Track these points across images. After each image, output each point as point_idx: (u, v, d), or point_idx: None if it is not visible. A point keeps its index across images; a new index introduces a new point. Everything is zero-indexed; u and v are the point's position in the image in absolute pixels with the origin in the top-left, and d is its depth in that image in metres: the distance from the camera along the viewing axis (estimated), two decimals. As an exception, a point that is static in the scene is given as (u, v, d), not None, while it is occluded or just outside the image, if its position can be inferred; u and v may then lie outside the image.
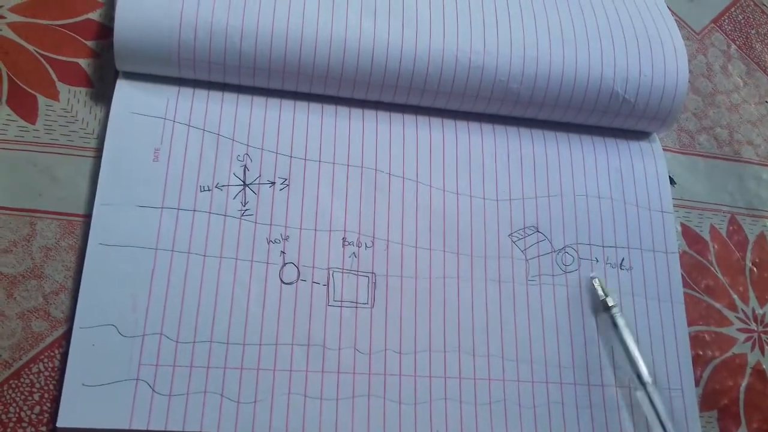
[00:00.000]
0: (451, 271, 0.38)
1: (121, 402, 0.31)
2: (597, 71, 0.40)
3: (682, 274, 0.41)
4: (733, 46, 0.52)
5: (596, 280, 0.39)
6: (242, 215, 0.36)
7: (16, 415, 0.31)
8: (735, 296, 0.43)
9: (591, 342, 0.38)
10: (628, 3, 0.43)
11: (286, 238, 0.36)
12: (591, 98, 0.40)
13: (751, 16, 0.54)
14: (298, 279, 0.35)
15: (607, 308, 0.38)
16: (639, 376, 0.36)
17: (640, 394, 0.36)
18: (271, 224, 0.36)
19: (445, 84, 0.39)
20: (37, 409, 0.31)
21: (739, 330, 0.42)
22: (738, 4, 0.54)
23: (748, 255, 0.44)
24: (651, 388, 0.36)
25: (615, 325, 0.38)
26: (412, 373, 0.35)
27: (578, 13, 0.42)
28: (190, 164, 0.36)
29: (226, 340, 0.33)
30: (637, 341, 0.38)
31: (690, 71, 0.48)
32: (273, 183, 0.37)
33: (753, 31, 0.54)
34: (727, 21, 0.53)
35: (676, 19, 0.44)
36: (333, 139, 0.39)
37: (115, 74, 0.37)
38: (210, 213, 0.35)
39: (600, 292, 0.38)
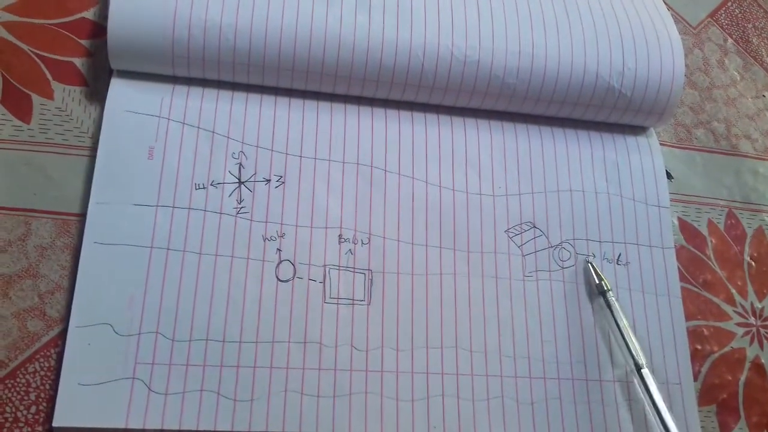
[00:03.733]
0: (448, 267, 0.37)
1: (117, 401, 0.31)
2: (593, 65, 0.40)
3: (679, 269, 0.41)
4: (730, 41, 0.52)
5: (591, 263, 0.39)
6: (238, 213, 0.36)
7: (13, 415, 0.31)
8: (733, 290, 0.43)
9: (588, 337, 0.38)
10: (623, -3, 0.43)
11: (282, 236, 0.36)
12: (587, 93, 0.40)
13: (747, 11, 0.54)
14: (294, 276, 0.35)
15: (603, 292, 0.38)
16: (634, 360, 0.36)
17: (636, 380, 0.36)
18: (266, 221, 0.36)
19: (440, 79, 0.38)
20: (33, 408, 0.31)
21: (738, 324, 0.42)
22: (734, -1, 0.54)
23: (746, 249, 0.44)
24: (645, 372, 0.36)
25: (609, 308, 0.37)
26: (409, 369, 0.35)
27: (573, 8, 0.41)
28: (185, 162, 0.36)
29: (222, 338, 0.33)
30: (634, 330, 0.38)
31: (686, 65, 0.48)
32: (268, 180, 0.37)
33: (750, 25, 0.53)
34: (723, 15, 0.53)
35: (672, 14, 0.44)
36: (328, 135, 0.38)
37: (110, 73, 0.37)
38: (205, 211, 0.35)
39: (595, 276, 0.38)
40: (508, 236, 0.39)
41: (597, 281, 0.38)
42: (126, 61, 0.36)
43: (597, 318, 0.38)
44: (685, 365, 0.39)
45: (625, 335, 0.37)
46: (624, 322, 0.37)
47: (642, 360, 0.36)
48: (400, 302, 0.36)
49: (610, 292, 0.38)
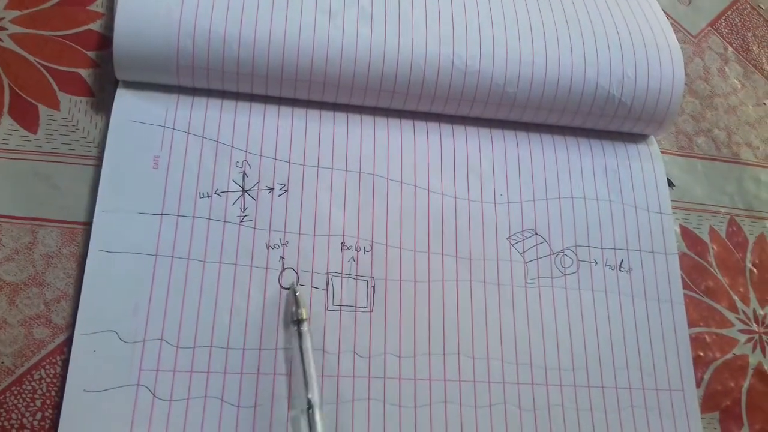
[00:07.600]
0: (450, 274, 0.38)
1: (121, 407, 0.31)
2: (593, 74, 0.40)
3: (681, 276, 0.41)
4: (730, 49, 0.52)
5: (298, 289, 0.35)
6: (241, 221, 0.36)
7: (18, 422, 0.31)
8: (735, 297, 0.43)
9: (591, 344, 0.38)
10: (622, 6, 0.44)
11: (285, 244, 0.36)
12: (587, 101, 0.40)
13: (747, 19, 0.54)
14: (297, 284, 0.36)
15: (298, 321, 0.34)
16: (309, 399, 0.32)
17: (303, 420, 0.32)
18: (270, 230, 0.36)
19: (441, 89, 0.39)
20: (38, 415, 0.31)
21: (740, 331, 0.42)
22: (735, 7, 0.55)
23: (748, 256, 0.44)
24: (317, 414, 0.32)
25: (300, 339, 0.33)
26: (411, 376, 0.35)
27: (573, 17, 0.42)
28: (189, 171, 0.36)
29: (226, 345, 0.34)
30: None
31: (687, 74, 0.49)
32: (272, 189, 0.37)
33: (750, 34, 0.54)
34: (723, 24, 0.53)
35: (672, 23, 0.45)
36: (331, 144, 0.39)
37: (115, 83, 0.38)
38: (209, 219, 0.36)
39: (295, 304, 0.34)
40: (510, 243, 0.39)
41: (295, 308, 0.34)
42: (131, 71, 0.37)
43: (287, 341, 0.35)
44: (688, 372, 0.39)
45: (307, 374, 0.33)
46: (311, 361, 0.33)
47: (317, 400, 0.32)
48: (403, 309, 0.36)
49: (305, 322, 0.34)
